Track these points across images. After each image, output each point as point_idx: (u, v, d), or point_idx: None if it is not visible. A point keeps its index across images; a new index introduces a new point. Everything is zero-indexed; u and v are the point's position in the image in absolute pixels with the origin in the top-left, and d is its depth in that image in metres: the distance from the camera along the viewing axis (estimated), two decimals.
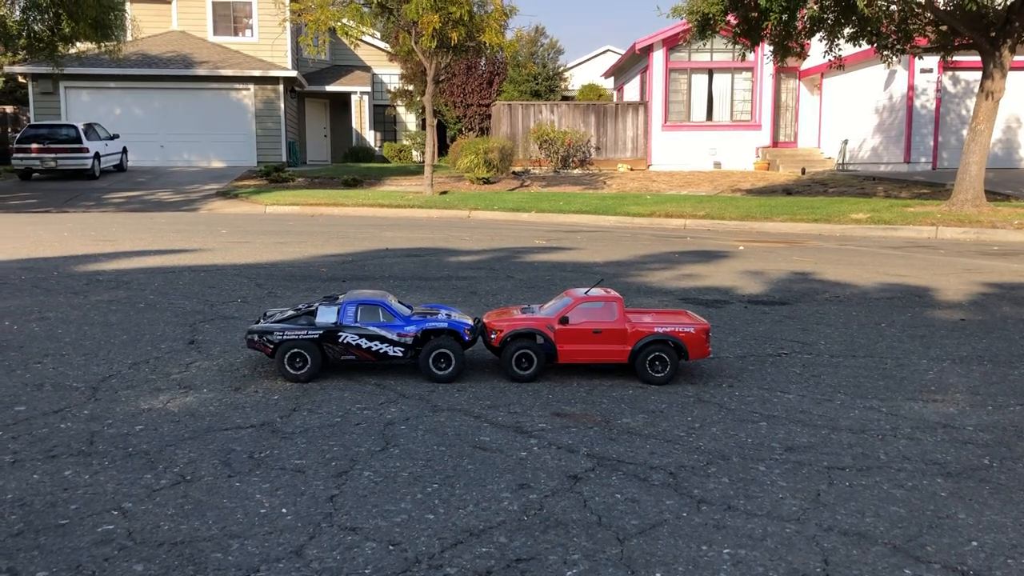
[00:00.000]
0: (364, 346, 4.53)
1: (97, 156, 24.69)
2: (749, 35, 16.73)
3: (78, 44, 22.67)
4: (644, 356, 4.60)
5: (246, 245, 10.20)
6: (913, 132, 24.69)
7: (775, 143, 30.36)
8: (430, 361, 4.52)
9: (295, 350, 4.46)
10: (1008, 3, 14.63)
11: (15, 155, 24.38)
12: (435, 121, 22.67)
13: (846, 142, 27.48)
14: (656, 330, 4.62)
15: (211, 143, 30.50)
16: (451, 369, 4.53)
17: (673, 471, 3.40)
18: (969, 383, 4.85)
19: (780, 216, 15.47)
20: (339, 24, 19.63)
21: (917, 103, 24.57)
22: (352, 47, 33.28)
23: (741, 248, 11.26)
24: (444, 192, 20.85)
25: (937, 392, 4.65)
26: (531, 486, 3.21)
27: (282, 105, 30.80)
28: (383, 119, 38.24)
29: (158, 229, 12.34)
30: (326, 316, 4.56)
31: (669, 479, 3.32)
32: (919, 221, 14.41)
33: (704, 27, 16.40)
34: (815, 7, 15.27)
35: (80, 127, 24.40)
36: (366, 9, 19.39)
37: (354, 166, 30.97)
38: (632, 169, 29.25)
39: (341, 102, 36.77)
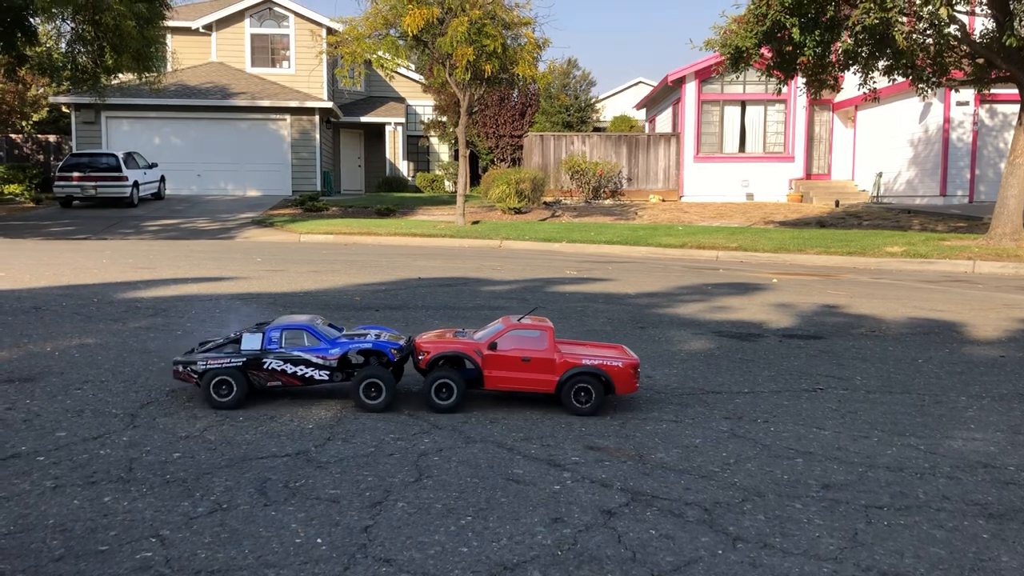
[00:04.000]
0: (289, 371, 4.52)
1: (136, 184, 25.19)
2: (783, 68, 16.73)
3: (120, 75, 23.23)
4: (570, 387, 4.59)
5: (281, 274, 10.32)
6: (949, 165, 24.46)
7: (808, 175, 30.21)
8: (360, 391, 4.50)
9: (220, 378, 4.46)
10: None
11: (57, 183, 24.95)
12: (468, 152, 22.87)
13: (880, 175, 27.28)
14: (584, 362, 4.61)
15: (247, 172, 31.00)
16: (383, 398, 4.51)
17: (708, 507, 3.37)
18: (1010, 422, 4.76)
19: (814, 249, 15.36)
20: (375, 56, 19.96)
21: (953, 136, 24.38)
22: (387, 79, 33.57)
23: (775, 281, 11.19)
24: (476, 222, 20.97)
25: (977, 430, 4.57)
26: (565, 520, 3.20)
27: (317, 135, 31.25)
28: (416, 149, 38.64)
29: (195, 257, 12.53)
30: (251, 343, 4.56)
31: (704, 515, 3.29)
32: (956, 255, 14.24)
33: (737, 60, 16.44)
34: (849, 41, 15.26)
35: (120, 156, 24.94)
36: (401, 42, 19.71)
37: (387, 196, 31.29)
38: (663, 200, 29.23)
39: (375, 132, 37.23)
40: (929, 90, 17.51)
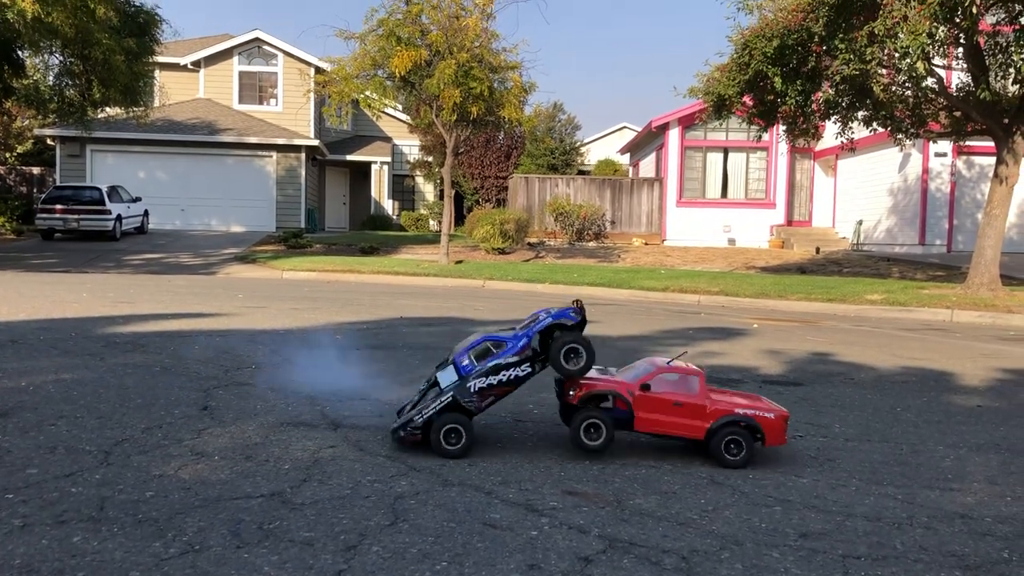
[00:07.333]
0: (495, 382, 4.48)
1: (119, 218, 25.10)
2: (764, 116, 17.00)
3: (107, 109, 23.27)
4: (721, 437, 4.54)
5: (262, 310, 10.27)
6: (928, 214, 24.81)
7: (789, 222, 30.54)
8: (561, 357, 4.44)
9: (447, 427, 4.43)
10: (1021, 92, 14.83)
11: (39, 215, 24.84)
12: (453, 192, 23.00)
13: (860, 222, 27.61)
14: (736, 411, 4.57)
15: (231, 208, 30.98)
16: (583, 362, 4.45)
17: (685, 555, 3.35)
18: (987, 472, 4.78)
19: (794, 295, 15.46)
20: (362, 96, 20.11)
21: (932, 186, 24.75)
22: (374, 118, 33.91)
23: (755, 326, 11.24)
24: (460, 261, 21.00)
25: (954, 480, 4.58)
26: (541, 567, 3.17)
27: (303, 173, 31.33)
28: (402, 188, 38.81)
29: (176, 292, 12.46)
30: (447, 378, 4.54)
31: (681, 564, 3.27)
32: (934, 304, 14.37)
33: (720, 108, 16.69)
34: (830, 91, 15.53)
35: (104, 189, 24.89)
36: (389, 83, 19.87)
37: (371, 234, 31.34)
38: (646, 243, 29.42)
39: (361, 171, 37.39)
40: (908, 140, 17.82)
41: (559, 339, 4.48)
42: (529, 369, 4.52)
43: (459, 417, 4.45)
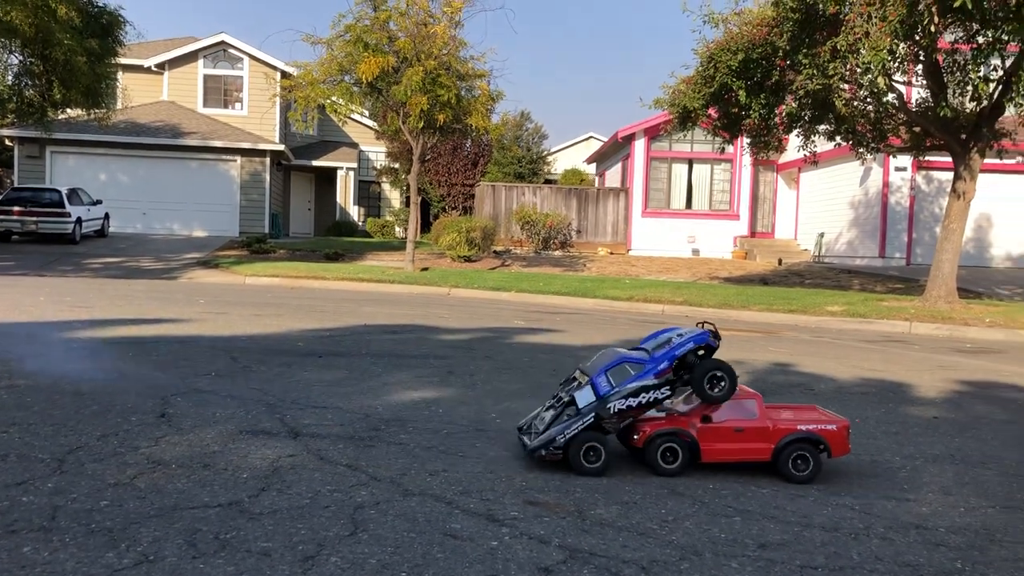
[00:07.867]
0: (635, 404, 4.52)
1: (79, 221, 24.66)
2: (729, 128, 17.18)
3: (68, 110, 22.89)
4: (788, 454, 4.61)
5: (223, 316, 10.16)
6: (888, 228, 25.21)
7: (753, 233, 30.86)
8: (705, 383, 4.53)
9: (587, 444, 4.47)
10: (978, 110, 15.15)
11: None
12: (419, 199, 22.92)
13: (822, 235, 27.98)
14: (799, 427, 4.63)
15: (195, 212, 30.58)
16: (726, 390, 4.53)
17: (645, 566, 3.36)
18: (942, 483, 4.85)
19: (757, 305, 15.62)
20: (328, 102, 19.98)
21: (892, 200, 25.16)
22: (340, 124, 33.81)
23: None
24: (425, 268, 20.94)
25: (910, 491, 4.65)
26: None
27: (268, 177, 31.05)
28: (368, 195, 38.61)
29: (135, 297, 12.28)
30: (585, 398, 4.55)
31: (641, 574, 3.28)
32: (894, 316, 14.59)
33: (685, 120, 16.83)
34: (793, 104, 15.74)
35: (64, 192, 24.43)
36: (356, 88, 19.75)
37: (337, 240, 31.14)
38: (612, 253, 29.56)
39: (327, 176, 37.15)
40: (869, 155, 18.10)
41: (702, 364, 4.56)
42: (668, 392, 4.59)
43: (598, 436, 4.52)
